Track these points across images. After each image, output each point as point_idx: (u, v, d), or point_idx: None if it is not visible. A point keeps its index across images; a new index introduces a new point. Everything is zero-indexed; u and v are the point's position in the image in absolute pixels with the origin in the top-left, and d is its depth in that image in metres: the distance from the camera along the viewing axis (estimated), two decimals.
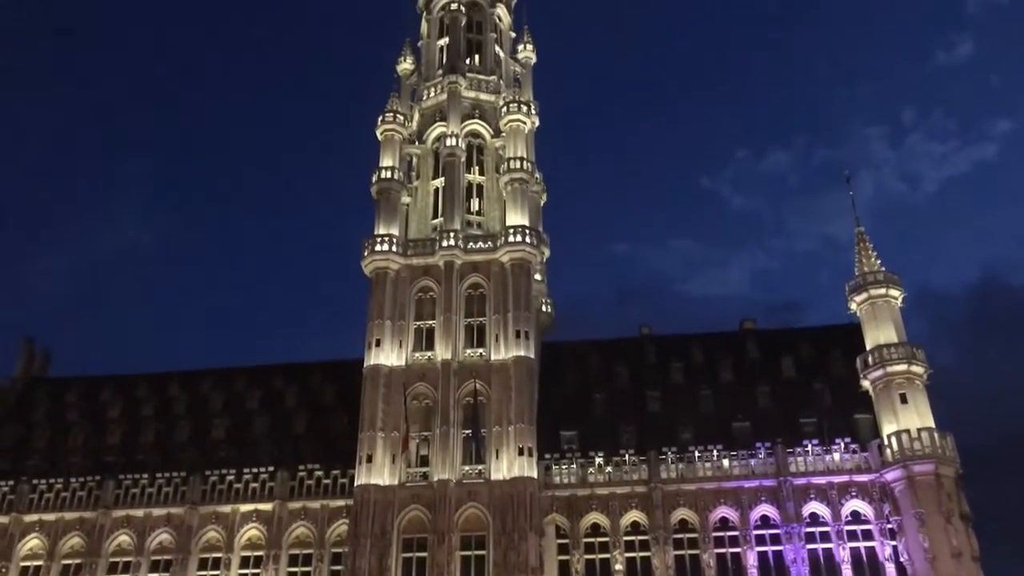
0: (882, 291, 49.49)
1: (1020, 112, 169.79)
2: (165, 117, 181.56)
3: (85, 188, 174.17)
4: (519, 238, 51.83)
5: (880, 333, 48.53)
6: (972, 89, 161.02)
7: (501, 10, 63.19)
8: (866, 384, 48.07)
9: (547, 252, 58.28)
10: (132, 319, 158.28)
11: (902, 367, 46.77)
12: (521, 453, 46.19)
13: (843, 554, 44.02)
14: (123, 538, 49.28)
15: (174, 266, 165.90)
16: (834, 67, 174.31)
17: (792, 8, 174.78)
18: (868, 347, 48.52)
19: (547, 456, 47.60)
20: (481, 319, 50.94)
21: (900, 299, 49.94)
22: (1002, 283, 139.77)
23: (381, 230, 53.08)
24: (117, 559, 49.00)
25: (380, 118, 57.01)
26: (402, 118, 57.38)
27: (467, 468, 46.95)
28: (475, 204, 56.20)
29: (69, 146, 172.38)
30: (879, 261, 50.95)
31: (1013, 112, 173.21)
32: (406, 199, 56.11)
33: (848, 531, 44.71)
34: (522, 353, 48.95)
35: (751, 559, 44.37)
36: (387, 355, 49.72)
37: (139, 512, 49.45)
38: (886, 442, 45.44)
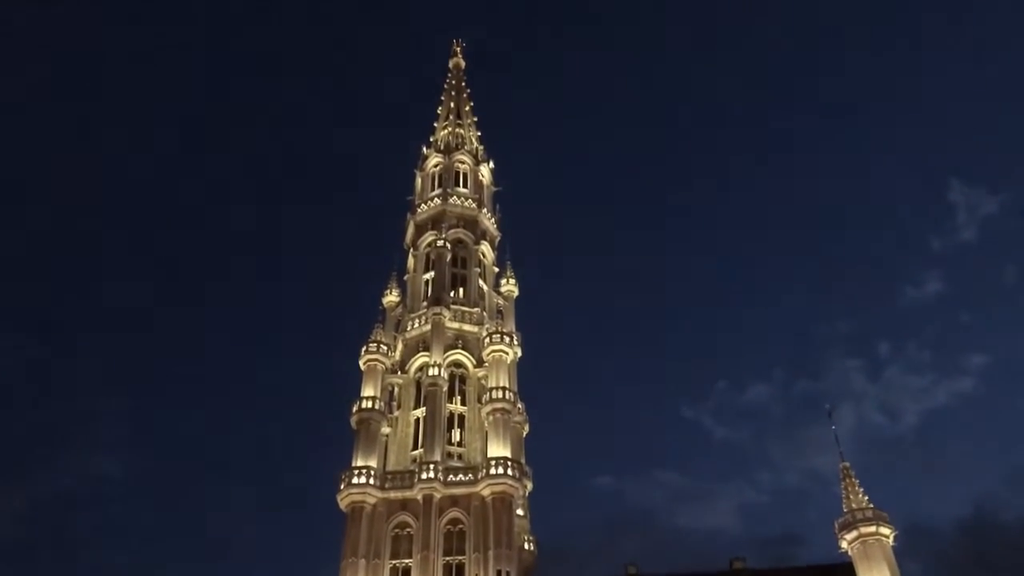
0: (872, 529, 48.25)
1: (994, 347, 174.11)
2: (144, 355, 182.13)
3: (55, 421, 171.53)
4: (501, 470, 50.83)
5: (874, 573, 46.80)
6: (944, 324, 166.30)
7: (485, 247, 65.76)
8: None
9: (530, 485, 56.85)
10: (96, 556, 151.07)
11: None
12: None
13: None
14: None
15: (142, 500, 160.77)
16: (808, 299, 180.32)
17: (765, 241, 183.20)
18: None
19: None
20: (460, 557, 48.87)
21: (891, 537, 48.60)
22: (993, 519, 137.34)
23: (359, 462, 52.08)
24: None
25: (364, 348, 57.66)
26: (386, 348, 58.06)
27: None
28: (456, 435, 55.63)
29: (45, 382, 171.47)
30: (866, 497, 50.10)
31: (987, 347, 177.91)
32: (386, 429, 55.58)
33: None
34: None
35: None
36: None
37: None
38: None
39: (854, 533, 48.39)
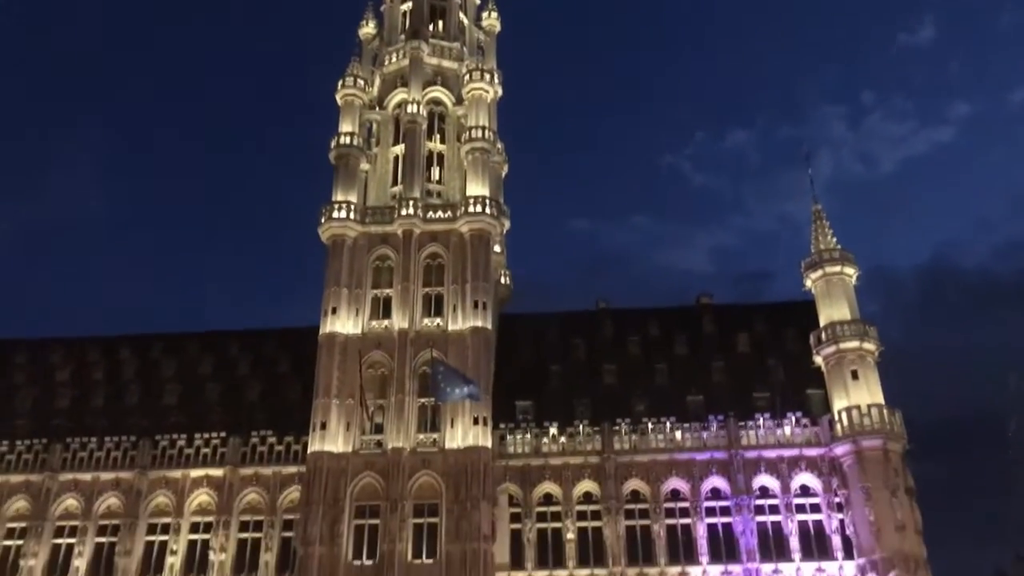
0: (837, 268, 50.04)
1: (978, 96, 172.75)
2: (115, 81, 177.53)
3: (33, 152, 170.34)
4: (479, 208, 51.42)
5: (834, 310, 49.11)
6: (932, 72, 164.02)
7: None
8: (819, 360, 48.66)
9: (507, 224, 57.83)
10: (82, 282, 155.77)
11: (854, 344, 47.41)
12: (476, 423, 46.07)
13: (791, 526, 44.75)
14: (70, 502, 48.51)
15: (125, 229, 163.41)
16: (797, 46, 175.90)
17: None
18: (822, 323, 49.08)
19: (502, 426, 47.65)
20: (439, 289, 50.53)
21: (854, 276, 50.55)
22: (953, 264, 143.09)
23: (339, 197, 52.39)
24: (64, 523, 48.25)
25: (340, 82, 56.15)
26: (363, 83, 56.58)
27: (422, 436, 46.81)
28: (435, 173, 55.59)
29: (18, 111, 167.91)
30: (835, 239, 51.49)
31: (971, 96, 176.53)
32: (365, 166, 55.41)
33: (797, 504, 45.43)
34: (479, 324, 48.70)
35: (701, 530, 44.93)
36: (343, 323, 49.24)
37: (87, 476, 48.68)
38: (836, 417, 46.13)
39: (819, 272, 50.23)
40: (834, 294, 49.52)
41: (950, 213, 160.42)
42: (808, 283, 50.87)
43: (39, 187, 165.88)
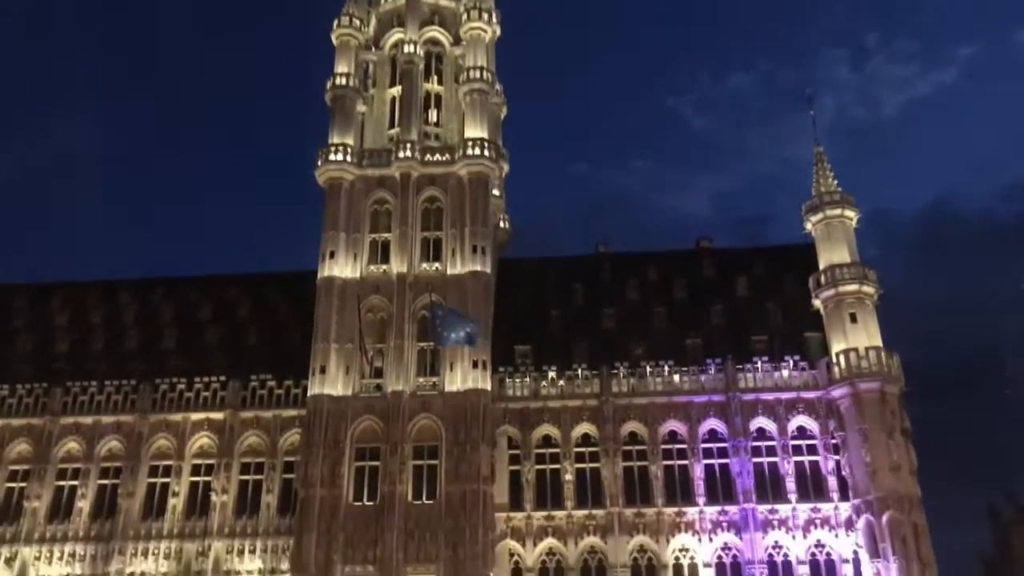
0: (837, 211, 49.73)
1: (982, 37, 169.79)
2: (111, 20, 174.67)
3: (25, 92, 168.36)
4: (478, 151, 50.85)
5: (833, 253, 48.93)
6: (935, 13, 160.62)
7: None
8: (817, 303, 48.60)
9: (506, 167, 57.32)
10: (81, 227, 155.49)
11: (853, 287, 47.32)
12: (475, 366, 46.17)
13: (787, 467, 45.17)
14: (72, 445, 48.87)
15: (124, 173, 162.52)
16: None
17: None
18: (821, 267, 48.94)
19: (501, 369, 47.77)
20: (437, 233, 50.19)
21: (854, 220, 50.27)
22: (954, 208, 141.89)
23: (336, 139, 51.77)
24: (66, 465, 48.66)
25: (336, 21, 55.15)
26: (359, 22, 55.54)
27: (421, 380, 46.94)
28: (433, 115, 54.86)
29: (11, 51, 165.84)
30: (836, 182, 51.06)
31: (975, 37, 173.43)
32: (362, 107, 54.68)
33: (793, 445, 45.81)
34: (478, 268, 48.49)
35: (698, 471, 45.33)
36: (341, 267, 49.03)
37: (88, 420, 48.96)
38: (834, 360, 46.23)
39: (819, 215, 49.92)
40: (834, 237, 49.29)
41: (952, 156, 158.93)
42: (808, 226, 50.60)
43: (38, 130, 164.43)
